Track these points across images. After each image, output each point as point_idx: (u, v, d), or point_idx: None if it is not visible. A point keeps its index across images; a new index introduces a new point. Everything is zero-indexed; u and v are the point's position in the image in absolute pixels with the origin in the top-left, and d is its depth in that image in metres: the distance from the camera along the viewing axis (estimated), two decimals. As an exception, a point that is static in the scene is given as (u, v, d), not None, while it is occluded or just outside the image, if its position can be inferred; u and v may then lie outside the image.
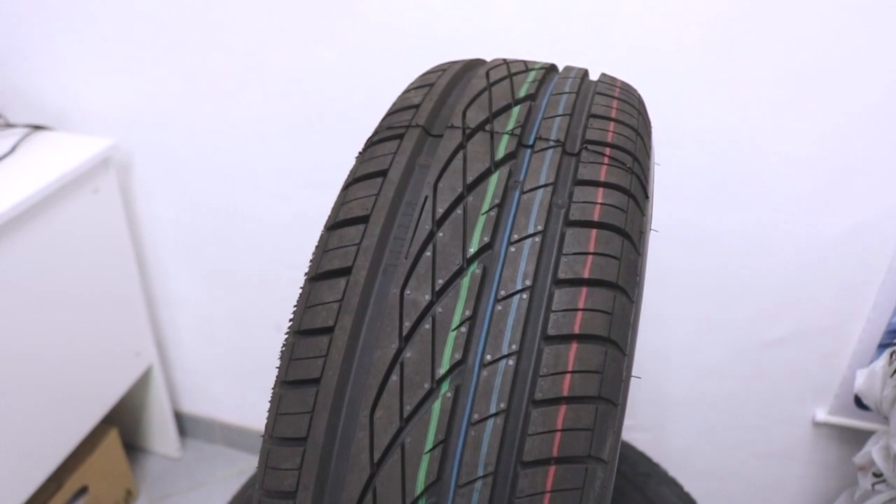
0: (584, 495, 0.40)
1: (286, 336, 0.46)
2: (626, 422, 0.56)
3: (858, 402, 1.25)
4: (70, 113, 1.38)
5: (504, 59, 0.61)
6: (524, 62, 0.60)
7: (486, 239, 0.44)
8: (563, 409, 0.41)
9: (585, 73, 0.60)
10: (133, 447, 1.79)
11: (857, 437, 1.30)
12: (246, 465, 1.75)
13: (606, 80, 0.59)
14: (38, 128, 1.36)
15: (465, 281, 0.43)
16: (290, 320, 0.46)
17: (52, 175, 1.20)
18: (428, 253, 0.44)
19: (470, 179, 0.47)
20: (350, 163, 0.52)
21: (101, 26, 1.26)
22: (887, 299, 1.15)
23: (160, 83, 1.30)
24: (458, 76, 0.58)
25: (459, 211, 0.45)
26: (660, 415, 1.42)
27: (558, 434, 0.40)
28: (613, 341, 0.43)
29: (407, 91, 0.56)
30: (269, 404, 0.45)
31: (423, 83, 0.57)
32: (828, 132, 1.03)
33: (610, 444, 0.42)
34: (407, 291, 0.43)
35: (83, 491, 1.48)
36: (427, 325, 0.42)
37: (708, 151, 1.10)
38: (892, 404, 0.96)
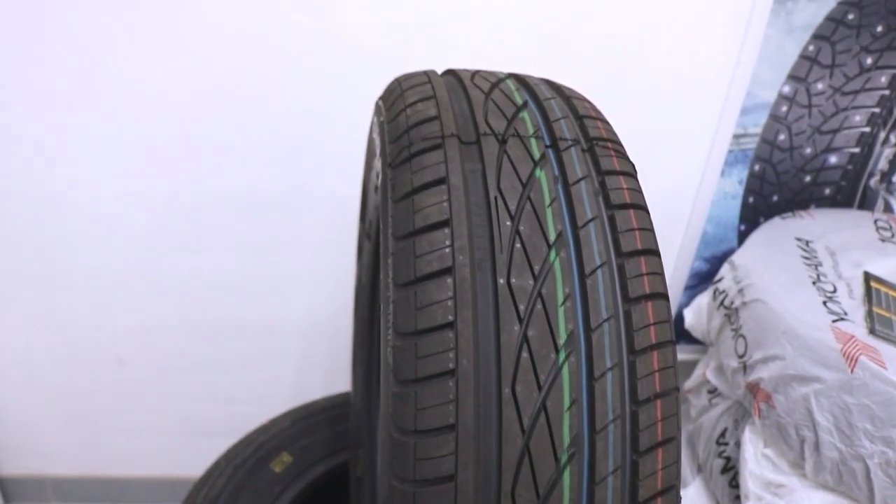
0: (678, 419, 0.51)
1: (391, 341, 0.49)
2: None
3: (671, 336, 1.50)
4: None
5: (468, 70, 0.67)
6: (488, 72, 0.67)
7: (559, 227, 0.52)
8: (655, 354, 0.50)
9: (548, 80, 0.69)
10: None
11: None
12: (88, 518, 1.60)
13: (563, 85, 0.69)
14: None
15: (557, 264, 0.50)
16: (391, 326, 0.49)
17: None
18: (518, 245, 0.51)
19: (524, 179, 0.54)
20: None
21: None
22: (689, 249, 1.40)
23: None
24: (449, 88, 0.63)
25: (528, 206, 0.52)
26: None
27: (657, 374, 0.50)
28: (667, 295, 0.53)
29: (412, 104, 0.60)
30: (390, 406, 0.49)
31: (423, 96, 0.61)
32: (643, 116, 1.24)
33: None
34: (512, 280, 0.49)
35: None
36: (539, 306, 0.49)
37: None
38: (718, 332, 1.19)
